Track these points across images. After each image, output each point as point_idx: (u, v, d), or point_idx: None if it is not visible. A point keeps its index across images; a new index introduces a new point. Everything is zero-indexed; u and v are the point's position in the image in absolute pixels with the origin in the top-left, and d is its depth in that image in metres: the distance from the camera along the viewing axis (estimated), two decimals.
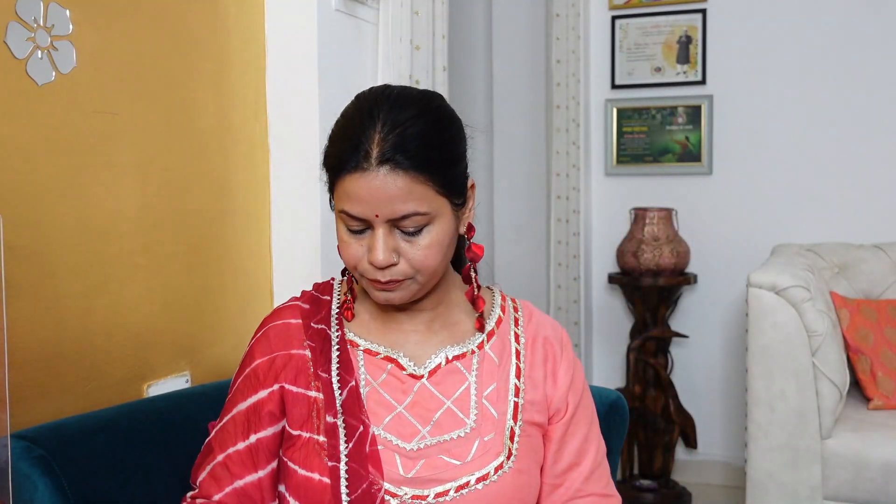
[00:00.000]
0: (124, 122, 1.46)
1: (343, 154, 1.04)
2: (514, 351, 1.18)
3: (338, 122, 1.10)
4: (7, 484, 1.07)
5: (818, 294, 2.52)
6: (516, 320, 1.21)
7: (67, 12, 1.32)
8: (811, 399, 2.39)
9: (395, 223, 1.04)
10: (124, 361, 1.47)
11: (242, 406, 1.13)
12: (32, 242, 1.29)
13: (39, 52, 1.28)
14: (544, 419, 1.18)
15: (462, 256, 1.21)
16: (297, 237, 1.82)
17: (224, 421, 1.14)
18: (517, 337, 1.20)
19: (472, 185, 1.14)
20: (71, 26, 1.33)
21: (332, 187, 1.08)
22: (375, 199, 1.02)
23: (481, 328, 1.18)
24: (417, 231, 1.05)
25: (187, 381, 1.60)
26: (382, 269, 1.05)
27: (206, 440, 1.16)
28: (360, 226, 1.05)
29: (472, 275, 1.18)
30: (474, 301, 1.18)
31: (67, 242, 1.35)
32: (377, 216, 1.03)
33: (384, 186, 1.01)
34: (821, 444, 2.39)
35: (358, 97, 1.11)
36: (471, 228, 1.15)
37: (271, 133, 1.82)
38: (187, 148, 1.61)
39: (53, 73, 1.31)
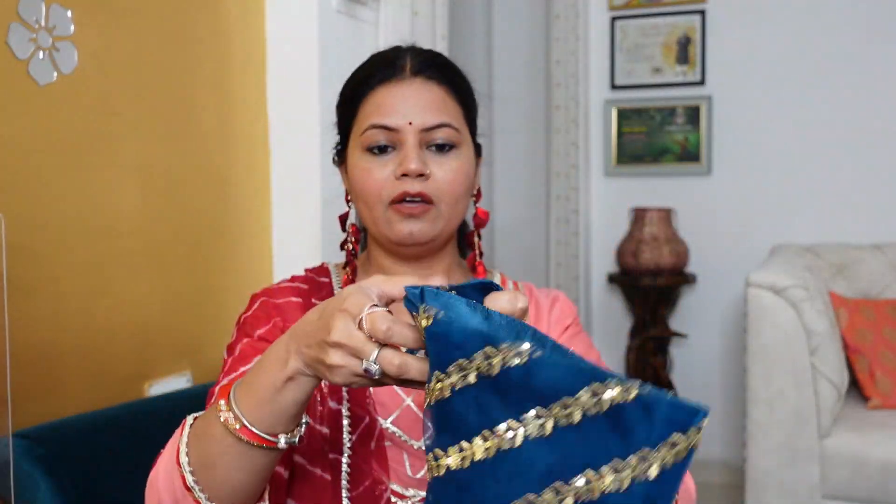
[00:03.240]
0: (125, 122, 1.46)
1: (374, 69, 1.03)
2: None
3: (355, 72, 1.08)
4: (9, 483, 1.07)
5: (817, 294, 2.53)
6: None
7: (69, 13, 1.33)
8: (810, 398, 2.40)
9: (427, 135, 1.00)
10: (125, 361, 1.47)
11: (246, 341, 1.03)
12: (34, 242, 1.30)
13: (41, 52, 1.28)
14: None
15: (464, 248, 1.18)
16: (297, 237, 1.83)
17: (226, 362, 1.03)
18: None
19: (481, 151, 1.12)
20: (72, 27, 1.33)
21: (354, 113, 1.04)
22: (410, 106, 1.00)
23: None
24: (448, 149, 1.02)
25: (188, 381, 1.60)
26: (413, 180, 0.99)
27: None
28: (387, 139, 1.00)
29: (476, 240, 1.13)
30: (475, 267, 1.12)
31: (69, 242, 1.35)
32: (410, 124, 0.99)
33: (419, 94, 1.01)
34: (819, 443, 2.40)
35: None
36: (478, 193, 1.11)
37: (271, 133, 1.82)
38: (188, 148, 1.61)
39: (55, 74, 1.31)
